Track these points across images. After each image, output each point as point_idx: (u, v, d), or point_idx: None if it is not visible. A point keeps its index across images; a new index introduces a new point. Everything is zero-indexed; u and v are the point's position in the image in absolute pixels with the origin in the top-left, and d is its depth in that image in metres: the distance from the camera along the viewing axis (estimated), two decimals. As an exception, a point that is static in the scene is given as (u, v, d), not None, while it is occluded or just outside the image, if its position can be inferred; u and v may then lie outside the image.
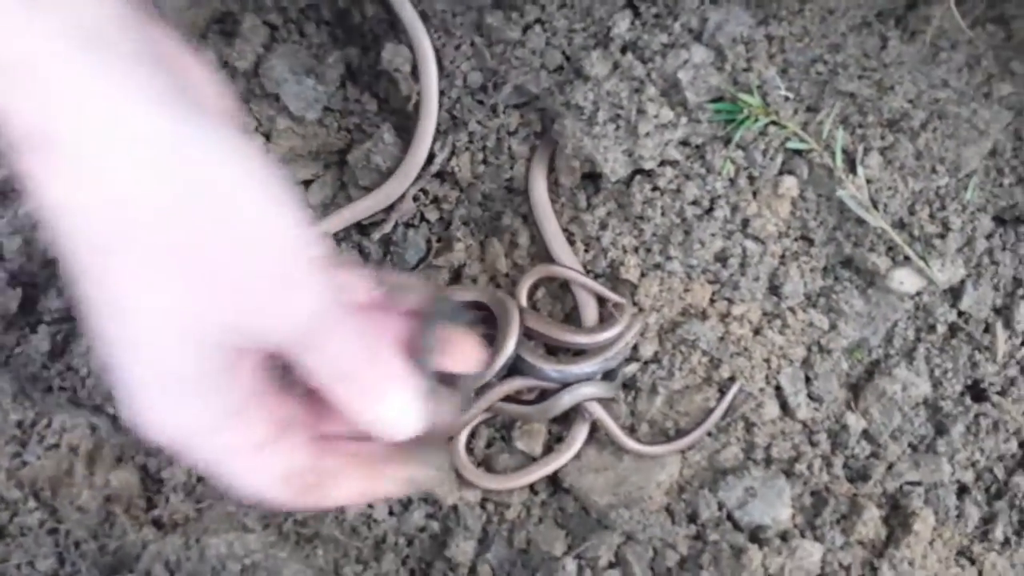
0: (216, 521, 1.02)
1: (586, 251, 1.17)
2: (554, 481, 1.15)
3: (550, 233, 1.17)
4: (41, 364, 1.11)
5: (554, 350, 1.16)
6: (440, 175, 1.22)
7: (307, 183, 1.26)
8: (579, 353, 1.14)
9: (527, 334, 1.13)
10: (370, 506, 1.14)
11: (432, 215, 1.23)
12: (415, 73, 1.19)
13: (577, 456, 1.13)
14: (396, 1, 1.17)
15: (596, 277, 1.16)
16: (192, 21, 1.22)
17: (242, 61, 1.23)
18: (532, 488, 1.16)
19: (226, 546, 0.97)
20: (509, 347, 1.10)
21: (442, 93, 1.19)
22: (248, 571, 0.95)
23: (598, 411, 1.11)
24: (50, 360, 1.12)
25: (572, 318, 1.18)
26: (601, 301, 1.15)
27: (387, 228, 1.21)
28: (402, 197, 1.20)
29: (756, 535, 1.10)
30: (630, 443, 1.11)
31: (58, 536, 0.96)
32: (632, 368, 1.14)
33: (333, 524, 1.10)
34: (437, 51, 1.18)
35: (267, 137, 1.25)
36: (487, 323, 1.14)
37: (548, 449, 1.16)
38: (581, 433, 1.13)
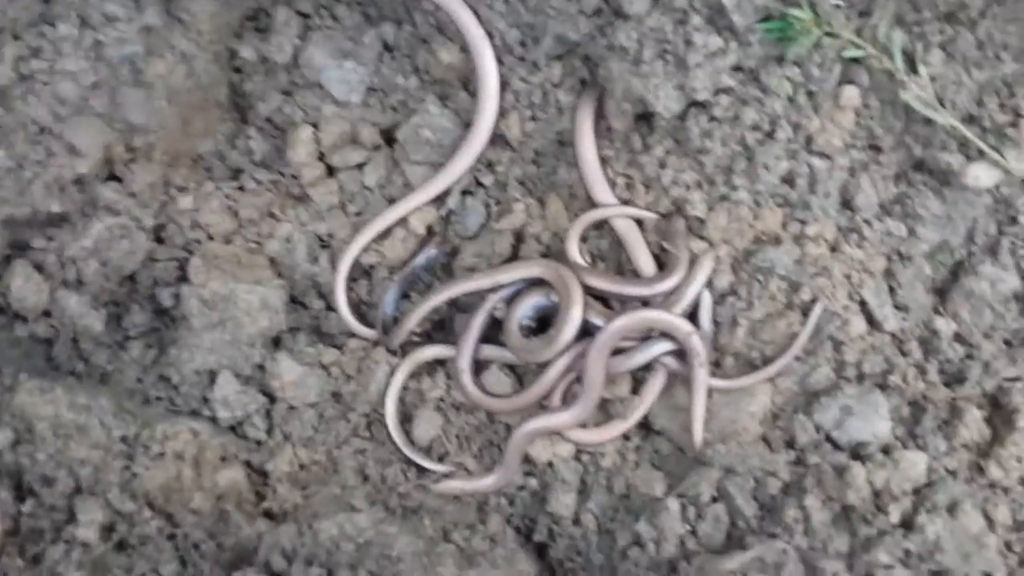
0: (324, 505, 1.05)
1: (647, 193, 1.15)
2: (644, 425, 1.15)
3: (589, 177, 1.16)
4: (135, 378, 1.15)
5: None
6: (491, 138, 1.21)
7: (360, 166, 1.26)
8: (646, 303, 1.14)
9: (590, 293, 1.13)
10: (467, 470, 1.16)
11: (487, 179, 1.23)
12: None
13: (666, 397, 1.13)
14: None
15: (661, 217, 1.14)
16: (225, 22, 1.23)
17: (280, 54, 1.23)
18: (623, 435, 1.16)
19: (337, 528, 0.99)
20: (575, 317, 1.10)
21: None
22: (362, 549, 0.97)
23: (673, 366, 1.11)
24: (143, 373, 1.15)
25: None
26: (661, 248, 1.14)
27: (451, 203, 1.21)
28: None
29: (857, 452, 1.09)
30: (716, 383, 1.11)
31: (177, 540, 1.00)
32: None
33: (434, 495, 1.13)
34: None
35: (315, 126, 1.25)
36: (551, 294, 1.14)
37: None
38: (657, 384, 1.13)
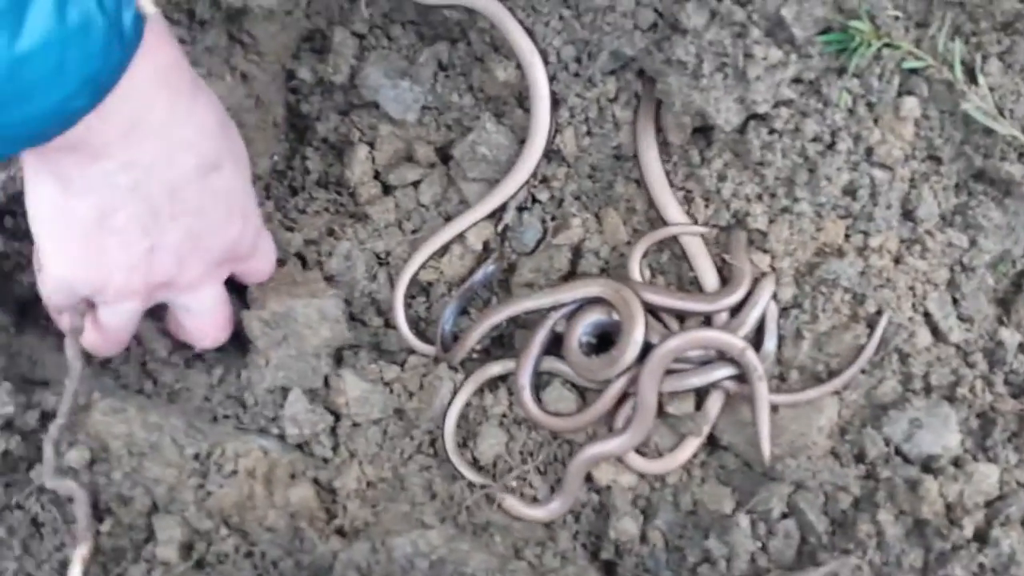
0: (395, 522, 1.05)
1: (706, 206, 1.15)
2: (710, 440, 1.15)
3: (658, 194, 1.16)
4: (203, 396, 1.16)
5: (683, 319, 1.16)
6: (546, 154, 1.22)
7: (415, 183, 1.27)
8: (708, 320, 1.14)
9: (651, 311, 1.13)
10: (532, 486, 1.16)
11: (543, 195, 1.24)
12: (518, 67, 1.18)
13: (731, 411, 1.13)
14: (496, 15, 1.16)
15: (721, 231, 1.15)
16: (283, 43, 1.24)
17: (338, 75, 1.25)
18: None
19: (411, 545, 1.00)
20: (637, 339, 1.10)
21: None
22: (436, 566, 0.97)
23: (733, 388, 1.12)
24: (210, 391, 1.16)
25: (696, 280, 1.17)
26: (722, 260, 1.14)
27: (507, 219, 1.22)
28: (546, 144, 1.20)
29: (928, 465, 1.08)
30: (779, 398, 1.10)
31: (254, 558, 1.00)
32: None
33: (500, 512, 1.13)
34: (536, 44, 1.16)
35: (371, 145, 1.27)
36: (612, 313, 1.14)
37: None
38: (718, 400, 1.13)
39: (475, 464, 1.17)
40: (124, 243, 0.94)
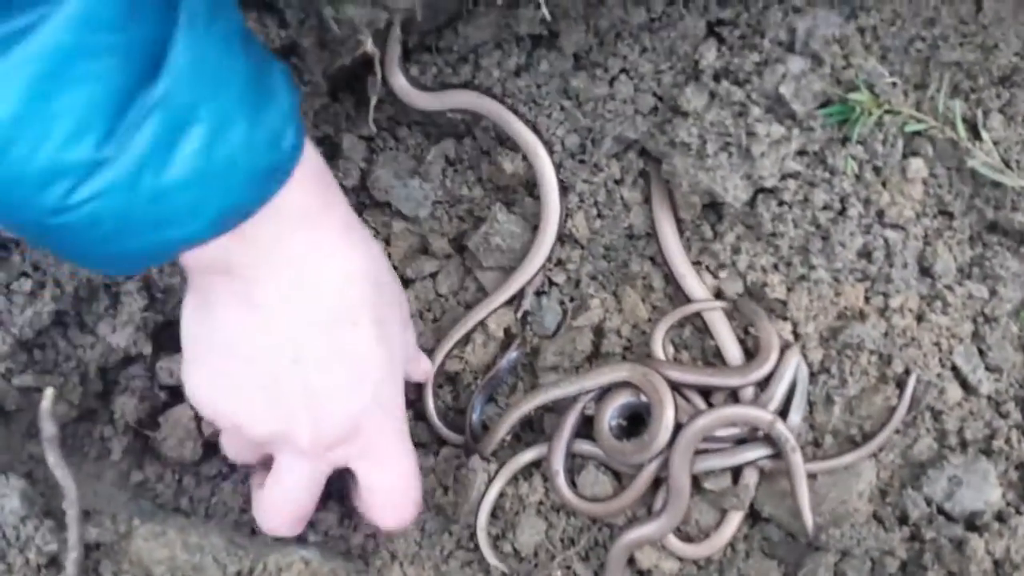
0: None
1: (723, 280, 1.16)
2: (752, 512, 1.15)
3: (678, 270, 1.17)
4: (240, 509, 1.16)
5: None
6: (559, 238, 1.24)
7: (433, 275, 1.29)
8: (734, 395, 1.14)
9: (677, 389, 1.13)
10: (576, 574, 1.15)
11: (559, 278, 1.25)
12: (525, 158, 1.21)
13: (770, 482, 1.13)
14: (502, 119, 1.19)
15: (734, 304, 1.15)
16: (295, 154, 1.27)
17: (349, 179, 1.27)
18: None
19: (460, 648, 0.99)
20: (668, 421, 1.10)
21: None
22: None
23: (768, 466, 1.12)
24: (246, 503, 1.17)
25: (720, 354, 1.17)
26: (745, 331, 1.15)
27: (526, 305, 1.23)
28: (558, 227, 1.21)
29: (972, 522, 1.07)
30: (814, 467, 1.10)
31: (307, 671, 1.00)
32: None
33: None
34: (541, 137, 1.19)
35: (387, 241, 1.29)
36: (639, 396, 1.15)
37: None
38: (752, 479, 1.13)
39: (517, 555, 1.16)
40: (248, 374, 0.89)
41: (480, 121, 1.23)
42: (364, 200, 1.30)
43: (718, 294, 1.17)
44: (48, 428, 0.99)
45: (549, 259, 1.23)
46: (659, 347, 1.16)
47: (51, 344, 1.16)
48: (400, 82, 1.19)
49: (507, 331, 1.25)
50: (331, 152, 1.30)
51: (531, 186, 1.25)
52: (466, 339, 1.25)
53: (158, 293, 1.17)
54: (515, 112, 1.18)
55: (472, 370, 1.26)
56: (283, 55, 1.11)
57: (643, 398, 1.14)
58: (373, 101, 1.16)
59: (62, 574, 0.96)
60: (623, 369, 1.15)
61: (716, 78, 1.11)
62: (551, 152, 1.20)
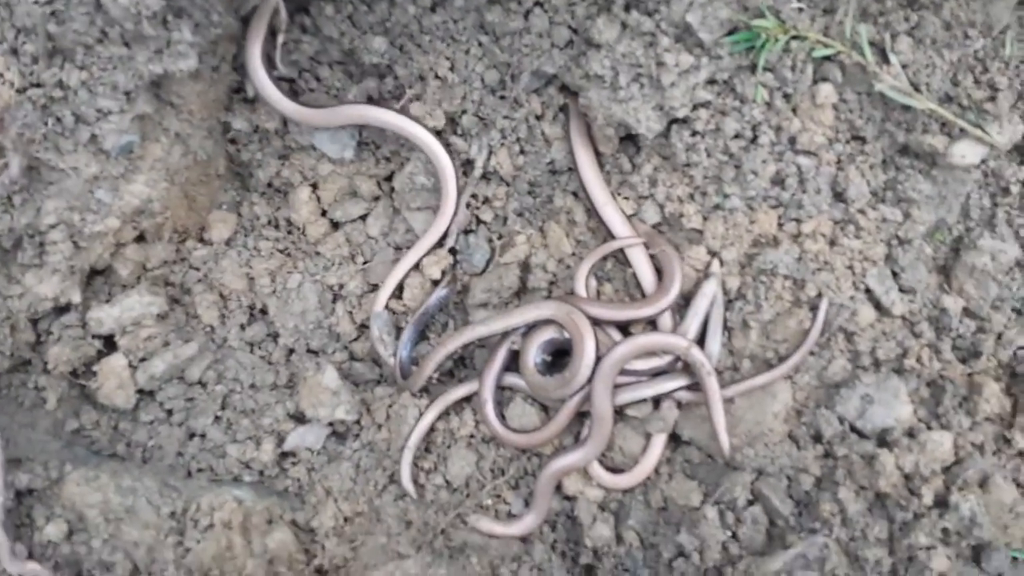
0: (372, 556, 1.08)
1: (641, 210, 1.18)
2: (673, 436, 1.18)
3: (601, 208, 1.18)
4: (175, 452, 1.18)
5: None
6: (485, 176, 1.24)
7: (363, 217, 1.30)
8: (653, 323, 1.16)
9: (598, 323, 1.15)
10: (506, 501, 1.18)
11: (487, 216, 1.26)
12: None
13: (689, 407, 1.16)
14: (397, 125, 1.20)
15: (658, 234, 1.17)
16: (214, 99, 1.26)
17: (271, 121, 1.27)
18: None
19: (388, 577, 1.02)
20: (589, 356, 1.12)
21: (463, 97, 1.21)
22: (415, 595, 1.00)
23: (687, 398, 1.14)
24: (182, 446, 1.18)
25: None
26: (654, 257, 1.17)
27: (451, 242, 1.24)
28: (455, 211, 1.23)
29: (883, 438, 1.11)
30: (729, 390, 1.13)
31: (235, 607, 1.03)
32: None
33: (476, 532, 1.15)
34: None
35: (314, 186, 1.29)
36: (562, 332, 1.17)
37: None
38: (672, 407, 1.16)
39: (448, 486, 1.19)
40: None
41: (401, 57, 1.22)
42: (289, 144, 1.29)
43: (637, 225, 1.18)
44: None
45: (462, 198, 1.24)
46: (582, 285, 1.18)
47: (-23, 296, 1.17)
48: (289, 106, 1.21)
49: (443, 272, 1.27)
50: (252, 95, 1.29)
51: (455, 123, 1.25)
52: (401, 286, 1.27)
53: (83, 242, 1.17)
54: (408, 115, 1.19)
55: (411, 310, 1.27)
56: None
57: (566, 335, 1.16)
58: (280, 39, 1.15)
59: None
60: (547, 307, 1.16)
61: (627, 8, 1.11)
62: (473, 87, 1.20)
